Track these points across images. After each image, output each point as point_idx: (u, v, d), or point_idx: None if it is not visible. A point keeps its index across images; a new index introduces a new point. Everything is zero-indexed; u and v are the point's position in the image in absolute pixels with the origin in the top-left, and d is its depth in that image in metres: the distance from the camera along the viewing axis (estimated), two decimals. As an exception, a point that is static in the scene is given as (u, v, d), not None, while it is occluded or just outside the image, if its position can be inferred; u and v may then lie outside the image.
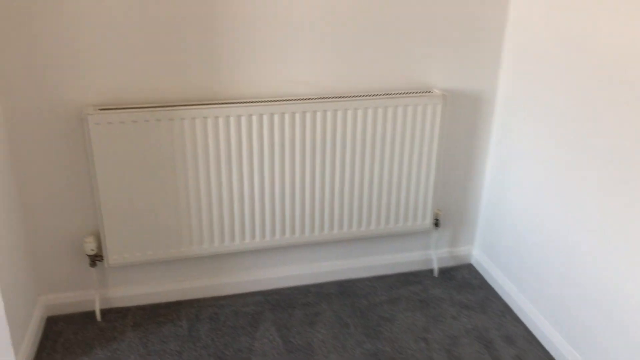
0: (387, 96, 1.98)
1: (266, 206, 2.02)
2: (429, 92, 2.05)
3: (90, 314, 2.07)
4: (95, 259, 1.99)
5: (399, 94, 2.00)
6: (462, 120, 2.18)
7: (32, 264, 1.97)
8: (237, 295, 2.20)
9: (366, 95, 1.97)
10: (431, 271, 2.39)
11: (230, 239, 2.04)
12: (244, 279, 2.21)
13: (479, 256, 2.41)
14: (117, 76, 1.80)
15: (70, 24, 1.71)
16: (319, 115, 1.93)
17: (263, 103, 1.88)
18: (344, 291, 2.25)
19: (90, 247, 1.95)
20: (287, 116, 1.91)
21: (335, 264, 2.29)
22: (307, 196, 2.04)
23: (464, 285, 2.31)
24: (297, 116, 1.91)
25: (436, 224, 2.26)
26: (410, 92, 2.02)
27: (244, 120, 1.88)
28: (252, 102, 1.89)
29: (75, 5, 1.69)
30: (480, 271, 2.39)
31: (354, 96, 1.96)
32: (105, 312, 2.08)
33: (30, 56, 1.71)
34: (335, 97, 1.95)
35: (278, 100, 1.90)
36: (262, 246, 2.09)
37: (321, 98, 1.94)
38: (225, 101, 1.89)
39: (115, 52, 1.77)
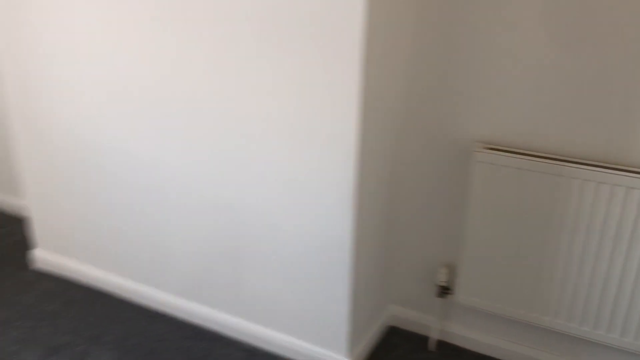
0: None
1: (652, 305, 1.61)
2: None
3: (425, 339, 2.08)
4: (444, 290, 1.96)
5: None
6: None
7: (386, 273, 2.08)
8: (584, 389, 1.86)
9: None
10: None
11: (594, 325, 1.71)
12: (598, 374, 1.84)
13: None
14: (512, 116, 1.69)
15: (466, 60, 1.68)
16: None
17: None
18: None
19: (442, 277, 1.94)
20: None
21: None
22: None
23: None
24: None
25: None
26: None
27: (650, 196, 1.52)
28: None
29: (467, 49, 1.65)
30: None
31: None
32: (440, 344, 2.05)
33: (437, 85, 1.77)
34: None
35: None
36: (632, 348, 1.68)
37: None
38: (629, 168, 1.56)
39: (517, 92, 1.66)
